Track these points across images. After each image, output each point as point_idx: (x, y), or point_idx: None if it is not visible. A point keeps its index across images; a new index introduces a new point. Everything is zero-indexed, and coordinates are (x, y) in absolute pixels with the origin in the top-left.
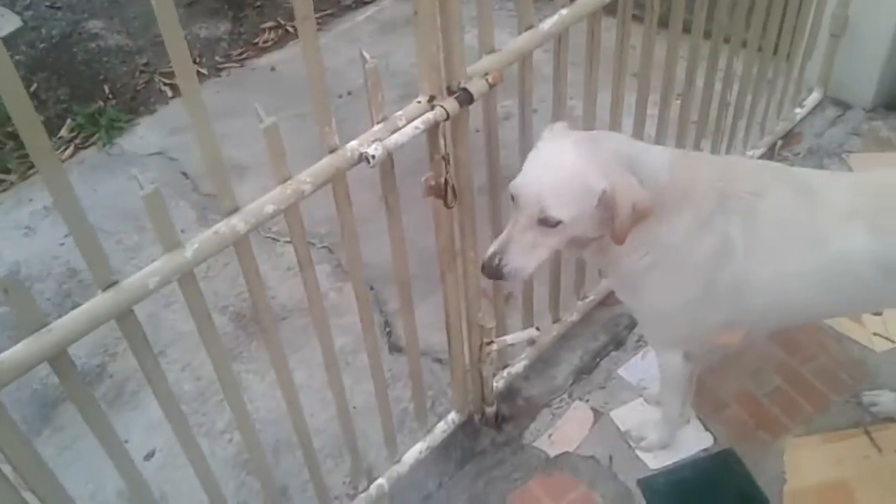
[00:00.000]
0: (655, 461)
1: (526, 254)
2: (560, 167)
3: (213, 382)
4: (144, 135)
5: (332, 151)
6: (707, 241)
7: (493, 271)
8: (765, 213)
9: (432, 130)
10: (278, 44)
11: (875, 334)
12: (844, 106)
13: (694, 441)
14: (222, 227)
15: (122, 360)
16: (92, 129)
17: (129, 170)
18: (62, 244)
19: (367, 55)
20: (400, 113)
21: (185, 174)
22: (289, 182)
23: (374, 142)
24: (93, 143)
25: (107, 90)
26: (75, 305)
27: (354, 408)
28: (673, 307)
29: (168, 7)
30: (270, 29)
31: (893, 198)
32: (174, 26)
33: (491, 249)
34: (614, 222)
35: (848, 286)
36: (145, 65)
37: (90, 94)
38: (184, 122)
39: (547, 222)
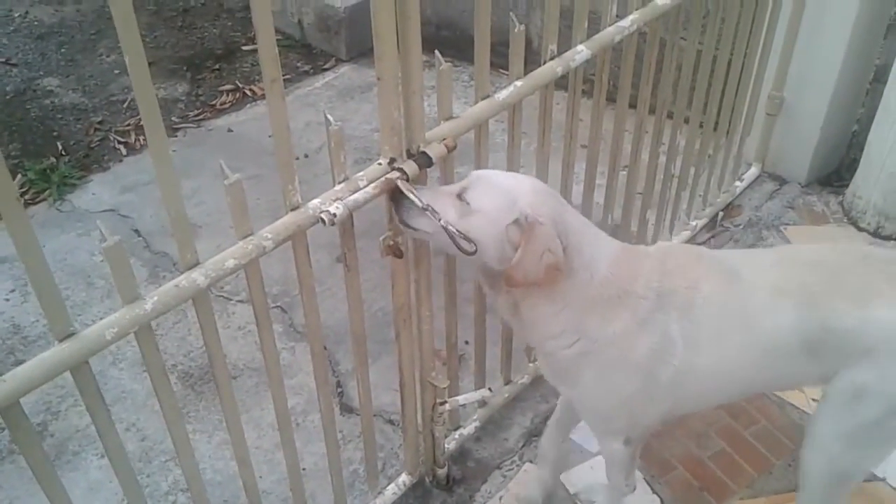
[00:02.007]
0: None
1: (436, 207)
2: (510, 177)
3: (158, 443)
4: (97, 192)
5: (293, 209)
6: (647, 340)
7: (398, 200)
8: (701, 305)
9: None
10: (236, 106)
11: (813, 399)
12: (781, 180)
13: (641, 503)
14: (183, 280)
15: (63, 420)
16: (43, 185)
17: (79, 226)
18: (7, 299)
19: (330, 118)
20: (361, 174)
21: (136, 231)
22: (250, 238)
23: (335, 201)
24: (43, 199)
25: (60, 147)
26: (18, 362)
27: (304, 469)
28: (611, 403)
29: (140, 64)
30: (228, 91)
31: (814, 276)
32: (146, 83)
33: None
34: (516, 254)
35: (779, 364)
36: (100, 123)
37: (42, 150)
38: (137, 180)
39: (462, 197)
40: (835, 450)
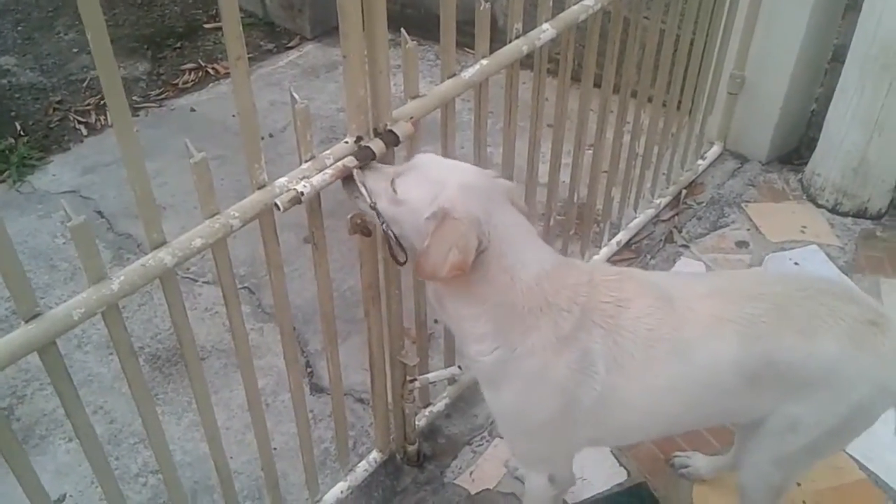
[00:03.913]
0: (571, 496)
1: (372, 188)
2: (445, 168)
3: (127, 425)
4: (57, 173)
5: (260, 188)
6: (566, 357)
7: (349, 181)
8: (628, 328)
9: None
10: (198, 85)
11: None
12: (742, 159)
13: (608, 476)
14: (150, 260)
15: (29, 404)
16: (1, 166)
17: (39, 208)
18: None
19: (296, 96)
20: (328, 152)
21: (99, 213)
22: (217, 216)
23: (302, 179)
24: (2, 181)
25: (18, 127)
26: None
27: (275, 449)
28: (531, 422)
29: (102, 41)
30: (190, 70)
31: (758, 307)
32: (108, 60)
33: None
34: (425, 244)
35: (715, 398)
36: (59, 102)
37: (0, 131)
38: (98, 161)
39: (393, 184)
40: (767, 470)
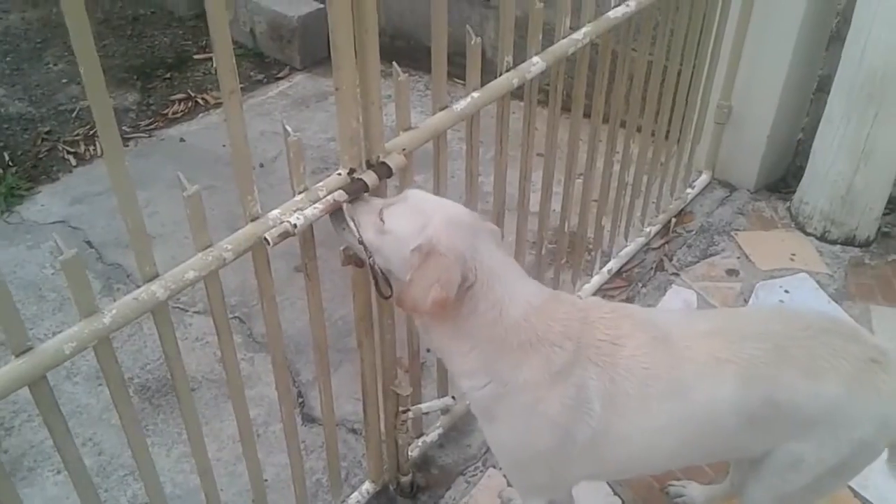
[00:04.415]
0: None
1: (360, 222)
2: (433, 204)
3: (116, 457)
4: (46, 203)
5: (253, 220)
6: (560, 393)
7: (336, 213)
8: (625, 365)
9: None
10: (188, 115)
11: None
12: (731, 187)
13: None
14: (142, 293)
15: (17, 436)
16: None
17: (28, 238)
18: None
19: (289, 128)
20: (321, 184)
21: (88, 243)
22: (210, 249)
23: (296, 211)
24: None
25: (7, 157)
26: None
27: (266, 480)
28: (527, 454)
29: (94, 71)
30: (180, 100)
31: (758, 347)
32: (101, 91)
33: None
34: (408, 277)
35: (713, 437)
36: (48, 133)
37: None
38: (87, 191)
39: (381, 215)
40: None
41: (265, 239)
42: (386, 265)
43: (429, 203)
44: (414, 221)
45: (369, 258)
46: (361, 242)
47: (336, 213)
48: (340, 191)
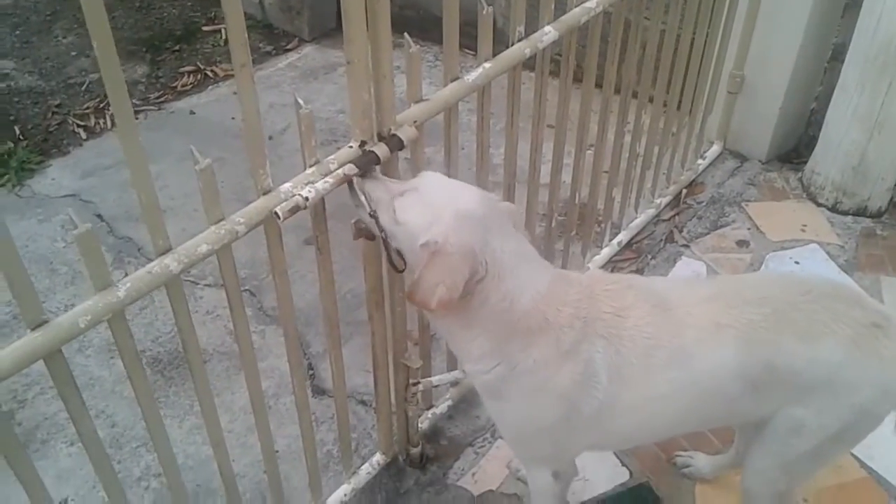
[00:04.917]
0: (573, 497)
1: (374, 197)
2: (445, 193)
3: (128, 429)
4: (56, 177)
5: (265, 193)
6: (569, 369)
7: (353, 189)
8: (629, 336)
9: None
10: (197, 87)
11: None
12: (742, 158)
13: (611, 476)
14: (155, 266)
15: (31, 408)
16: (1, 170)
17: (39, 212)
18: None
19: (300, 101)
20: (332, 157)
21: (99, 216)
22: (222, 223)
23: (307, 184)
24: (2, 185)
25: (17, 131)
26: None
27: (277, 452)
28: (533, 428)
29: (107, 43)
30: (189, 73)
31: (758, 311)
32: (113, 63)
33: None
34: (415, 274)
35: (715, 402)
36: (58, 106)
37: (0, 135)
38: (98, 164)
39: (394, 205)
40: (773, 476)
41: (275, 213)
42: (399, 247)
43: (441, 194)
44: (424, 215)
45: (381, 232)
46: (373, 216)
47: (348, 186)
48: (350, 164)
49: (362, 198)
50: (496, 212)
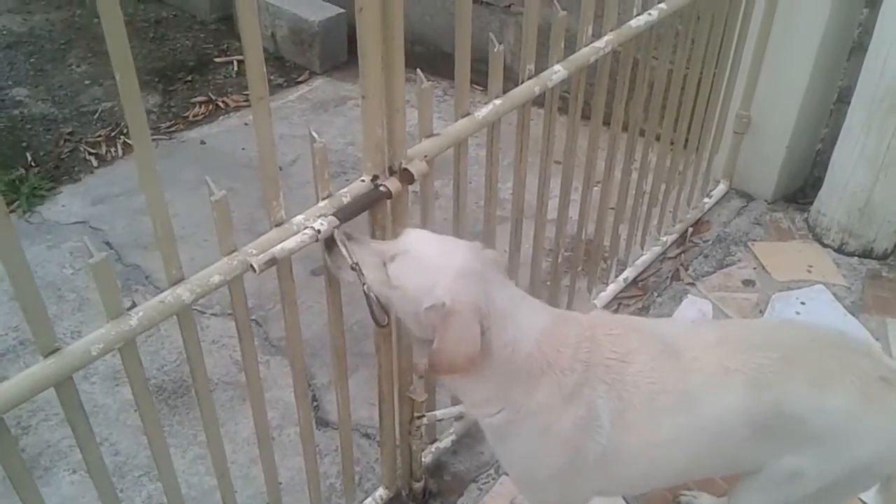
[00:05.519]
0: None
1: (362, 263)
2: (439, 253)
3: (131, 457)
4: (67, 203)
5: (278, 225)
6: (571, 413)
7: (331, 246)
8: (632, 382)
9: (376, 208)
10: (208, 118)
11: None
12: (748, 197)
13: None
14: (168, 296)
15: (34, 435)
16: (11, 196)
17: (48, 239)
18: None
19: (315, 134)
20: (345, 190)
21: (108, 244)
22: (235, 254)
23: (319, 217)
24: (12, 211)
25: (29, 158)
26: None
27: (281, 483)
28: (540, 474)
29: (129, 74)
30: (201, 103)
31: (767, 357)
32: (134, 94)
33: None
34: (435, 342)
35: (723, 448)
36: (70, 133)
37: (11, 161)
38: (108, 192)
39: (386, 268)
40: None
41: (251, 266)
42: (387, 304)
43: (434, 254)
44: (423, 278)
45: (363, 285)
46: (355, 268)
47: (332, 247)
48: (332, 217)
49: (344, 251)
50: (487, 262)
